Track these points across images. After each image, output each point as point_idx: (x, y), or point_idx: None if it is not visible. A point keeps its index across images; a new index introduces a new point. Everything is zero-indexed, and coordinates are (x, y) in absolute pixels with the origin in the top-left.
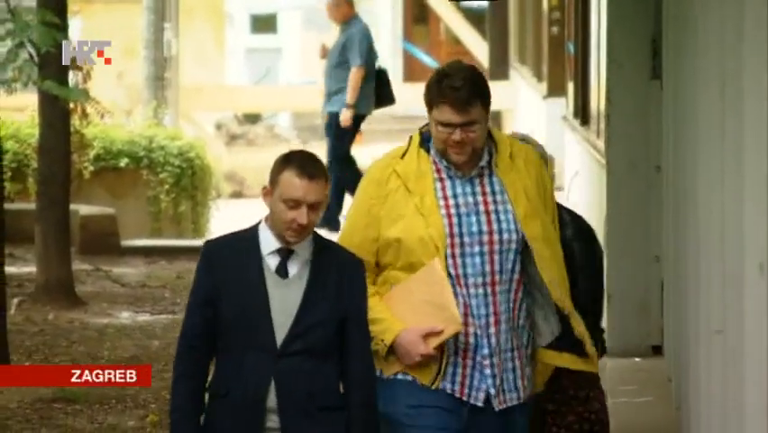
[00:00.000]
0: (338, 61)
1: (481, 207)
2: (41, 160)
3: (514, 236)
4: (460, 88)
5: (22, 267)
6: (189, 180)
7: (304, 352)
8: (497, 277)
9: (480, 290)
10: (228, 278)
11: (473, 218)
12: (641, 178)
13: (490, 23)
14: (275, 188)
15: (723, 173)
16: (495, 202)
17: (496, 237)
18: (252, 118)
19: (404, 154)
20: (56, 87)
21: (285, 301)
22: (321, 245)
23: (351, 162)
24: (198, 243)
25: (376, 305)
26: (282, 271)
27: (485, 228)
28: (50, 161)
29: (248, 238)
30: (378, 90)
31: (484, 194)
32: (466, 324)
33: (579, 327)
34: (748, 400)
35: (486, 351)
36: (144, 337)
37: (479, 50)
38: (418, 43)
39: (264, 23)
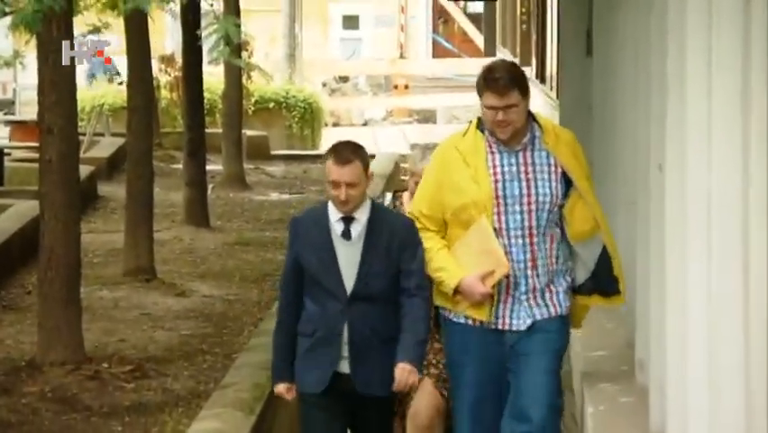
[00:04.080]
0: None
1: (522, 176)
2: (225, 103)
3: (548, 198)
4: (499, 79)
5: (214, 165)
6: (309, 116)
7: (367, 298)
8: (534, 230)
9: (520, 241)
10: (307, 243)
11: (515, 184)
12: (578, 114)
13: (485, 20)
14: (326, 173)
15: (636, 107)
16: (534, 171)
17: (533, 199)
18: (344, 79)
19: (464, 134)
20: (239, 60)
21: (349, 258)
22: (377, 212)
23: None
24: (314, 152)
25: (443, 256)
26: (346, 234)
27: (524, 192)
28: (229, 103)
29: (320, 211)
30: None
31: (525, 164)
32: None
33: (617, 267)
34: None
35: (523, 288)
36: (285, 208)
37: (477, 38)
38: (441, 34)
39: (351, 22)
